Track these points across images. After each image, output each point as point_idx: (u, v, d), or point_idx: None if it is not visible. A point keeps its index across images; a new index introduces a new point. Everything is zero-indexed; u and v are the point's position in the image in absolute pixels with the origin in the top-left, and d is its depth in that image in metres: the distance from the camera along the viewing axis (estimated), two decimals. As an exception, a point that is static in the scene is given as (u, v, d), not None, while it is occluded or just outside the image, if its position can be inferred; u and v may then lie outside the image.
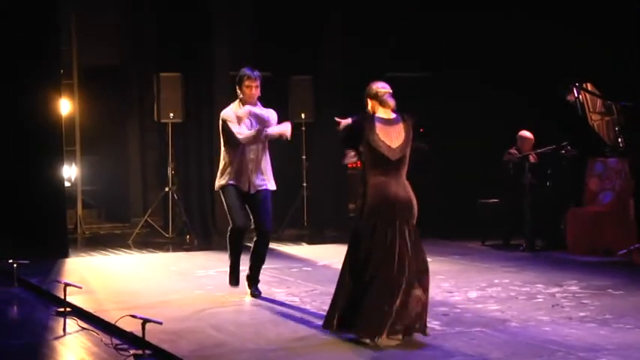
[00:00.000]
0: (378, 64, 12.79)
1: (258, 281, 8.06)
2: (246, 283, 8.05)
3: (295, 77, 13.09)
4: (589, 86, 11.23)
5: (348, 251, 6.41)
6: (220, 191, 7.97)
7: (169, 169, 12.53)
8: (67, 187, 12.28)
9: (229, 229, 8.06)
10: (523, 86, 12.01)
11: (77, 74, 13.02)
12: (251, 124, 7.83)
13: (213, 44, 12.54)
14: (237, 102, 7.90)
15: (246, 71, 7.86)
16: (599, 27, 11.71)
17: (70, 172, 13.30)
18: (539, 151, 11.27)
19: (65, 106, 12.24)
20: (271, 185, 7.96)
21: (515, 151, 11.41)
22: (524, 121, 11.54)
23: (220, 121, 7.87)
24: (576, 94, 11.12)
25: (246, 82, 7.81)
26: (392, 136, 6.36)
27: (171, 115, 12.36)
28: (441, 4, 12.99)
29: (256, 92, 7.84)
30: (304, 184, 13.03)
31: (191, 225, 12.33)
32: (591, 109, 11.21)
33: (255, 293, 7.97)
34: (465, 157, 12.71)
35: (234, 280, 8.10)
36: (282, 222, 12.78)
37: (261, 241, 8.00)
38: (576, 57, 11.75)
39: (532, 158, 11.27)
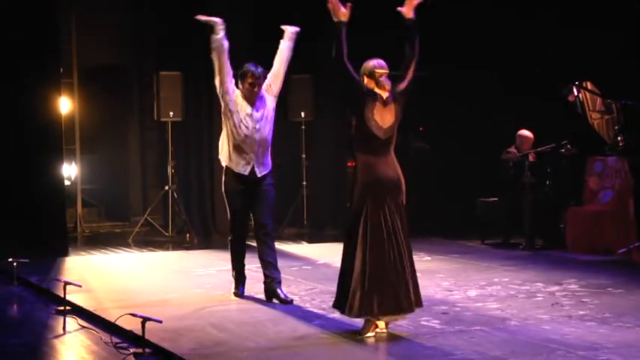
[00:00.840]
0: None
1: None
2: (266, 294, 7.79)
3: (295, 76, 13.07)
4: (589, 85, 11.24)
5: (347, 236, 6.45)
6: (224, 193, 7.84)
7: (169, 168, 12.53)
8: (67, 185, 12.29)
9: (231, 239, 7.97)
10: (523, 84, 12.01)
11: (77, 73, 13.01)
12: (254, 109, 7.72)
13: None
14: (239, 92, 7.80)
15: (250, 67, 7.77)
16: (599, 25, 11.71)
17: (70, 171, 13.30)
18: (538, 149, 11.27)
19: (65, 105, 12.24)
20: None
21: (514, 150, 11.41)
22: (524, 120, 11.53)
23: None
24: (576, 93, 11.12)
25: (249, 79, 7.73)
26: (385, 117, 6.46)
27: (171, 113, 12.35)
28: (441, 3, 12.97)
29: (259, 89, 7.76)
30: (304, 183, 13.03)
31: (191, 224, 12.33)
32: (591, 108, 11.21)
33: (288, 299, 7.65)
34: (465, 156, 12.71)
35: (239, 285, 7.95)
36: (282, 221, 12.79)
37: (264, 239, 7.84)
38: (576, 55, 11.74)
39: (531, 157, 11.28)
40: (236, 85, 7.84)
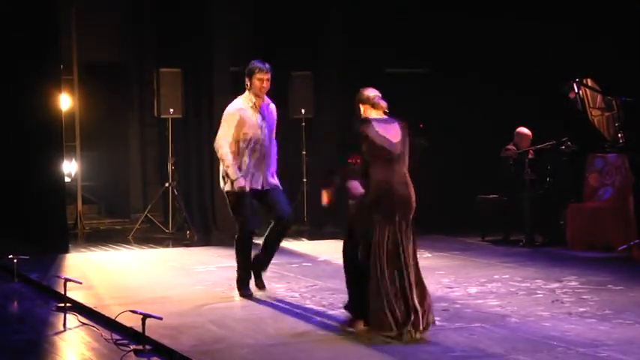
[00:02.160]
0: (378, 60, 12.80)
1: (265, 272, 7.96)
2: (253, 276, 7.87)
3: (295, 73, 13.09)
4: (589, 82, 11.23)
5: (348, 244, 6.48)
6: (232, 193, 7.71)
7: (169, 165, 12.53)
8: (67, 182, 12.29)
9: (238, 236, 7.79)
10: (523, 82, 12.01)
11: (77, 70, 13.01)
12: (263, 118, 7.76)
13: (213, 40, 12.53)
14: (245, 95, 7.78)
15: (257, 64, 7.71)
16: (600, 23, 11.71)
17: (70, 168, 13.31)
18: (538, 146, 11.26)
19: (65, 102, 12.24)
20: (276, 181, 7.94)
21: (513, 147, 11.41)
22: (524, 117, 11.54)
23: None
24: (576, 90, 11.12)
25: (258, 75, 7.67)
26: (391, 133, 6.42)
27: (171, 110, 12.36)
28: (441, 2, 12.98)
29: (267, 85, 7.71)
30: (304, 180, 13.04)
31: (191, 220, 12.33)
32: (591, 105, 11.20)
33: (262, 285, 7.85)
34: (465, 153, 12.71)
35: (248, 285, 7.80)
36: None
37: (282, 231, 7.84)
38: (576, 53, 11.74)
39: (530, 154, 11.27)
40: (244, 83, 7.79)
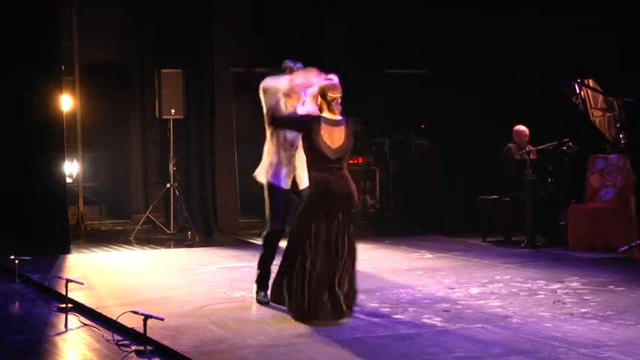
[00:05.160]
0: (378, 59, 12.81)
1: None
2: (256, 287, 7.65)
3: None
4: (591, 82, 11.23)
5: (291, 234, 6.98)
6: (271, 187, 7.65)
7: (171, 166, 12.54)
8: (69, 183, 12.29)
9: (267, 233, 7.73)
10: (524, 82, 12.01)
11: (79, 70, 13.02)
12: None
13: (214, 40, 12.54)
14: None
15: (289, 63, 7.62)
16: (601, 23, 11.71)
17: (72, 169, 13.31)
18: (540, 147, 11.27)
19: (67, 103, 12.25)
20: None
21: (514, 146, 11.42)
22: (525, 118, 11.54)
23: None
24: (578, 91, 11.12)
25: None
26: (334, 137, 6.72)
27: (173, 111, 12.36)
28: (443, 1, 12.98)
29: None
30: (305, 180, 13.02)
31: (192, 221, 12.33)
32: (593, 106, 11.20)
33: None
34: (466, 154, 12.72)
35: (264, 289, 7.52)
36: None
37: None
38: (578, 53, 11.74)
39: (532, 154, 11.28)
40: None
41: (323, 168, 6.76)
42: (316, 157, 6.77)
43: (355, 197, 6.85)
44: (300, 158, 7.31)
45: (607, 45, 11.64)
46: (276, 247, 7.67)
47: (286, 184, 7.52)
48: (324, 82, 6.80)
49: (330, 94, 6.74)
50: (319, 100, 6.79)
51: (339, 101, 6.77)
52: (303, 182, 7.40)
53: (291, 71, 7.59)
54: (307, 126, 6.76)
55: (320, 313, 6.63)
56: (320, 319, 6.62)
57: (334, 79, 6.81)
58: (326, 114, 6.75)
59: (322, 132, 6.69)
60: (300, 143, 7.16)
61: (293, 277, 6.76)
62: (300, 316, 6.70)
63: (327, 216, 6.70)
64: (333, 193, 6.74)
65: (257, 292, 7.53)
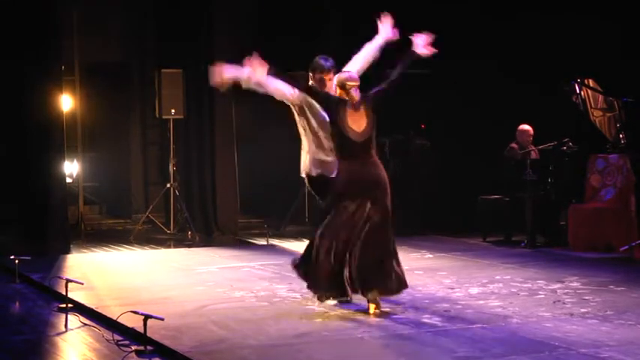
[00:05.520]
0: (379, 59, 12.78)
1: None
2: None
3: (296, 73, 13.07)
4: (591, 82, 11.23)
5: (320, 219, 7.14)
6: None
7: (171, 165, 12.53)
8: (69, 183, 12.30)
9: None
10: (525, 82, 12.01)
11: (79, 70, 13.02)
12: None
13: (214, 40, 12.53)
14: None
15: (320, 61, 7.63)
16: (601, 22, 11.71)
17: (72, 169, 13.31)
18: (540, 147, 11.28)
19: (67, 103, 12.25)
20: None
21: (516, 146, 11.42)
22: (525, 117, 11.53)
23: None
24: (578, 91, 11.12)
25: (318, 75, 7.58)
26: (358, 121, 6.97)
27: (173, 111, 12.36)
28: (445, 1, 12.97)
29: (330, 85, 7.57)
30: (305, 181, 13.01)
31: (192, 221, 12.33)
32: (593, 106, 11.21)
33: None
34: (466, 154, 12.71)
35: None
36: (283, 218, 12.80)
37: None
38: (578, 53, 11.74)
39: (534, 154, 11.28)
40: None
41: (349, 154, 6.99)
42: (344, 144, 7.00)
43: (385, 183, 7.00)
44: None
45: (607, 45, 11.64)
46: None
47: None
48: (342, 75, 7.14)
49: (348, 84, 7.04)
50: (339, 91, 7.08)
51: (357, 89, 7.06)
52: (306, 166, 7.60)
53: (321, 71, 7.57)
54: (334, 107, 7.02)
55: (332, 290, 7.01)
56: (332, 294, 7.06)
57: (350, 72, 7.21)
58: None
59: (348, 117, 6.96)
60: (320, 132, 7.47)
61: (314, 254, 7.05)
62: (315, 288, 7.14)
63: (353, 202, 6.89)
64: (358, 180, 6.93)
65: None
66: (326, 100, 7.17)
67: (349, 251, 6.93)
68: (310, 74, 7.70)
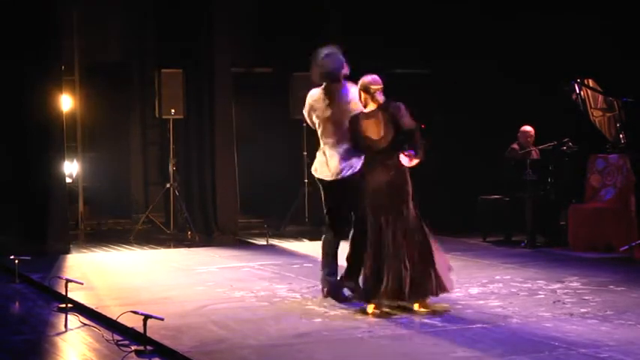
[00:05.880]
0: (378, 59, 12.79)
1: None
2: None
3: (296, 74, 13.08)
4: (590, 82, 11.23)
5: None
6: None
7: (171, 166, 12.54)
8: (69, 183, 12.29)
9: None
10: (525, 82, 12.01)
11: (79, 70, 13.02)
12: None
13: (214, 40, 12.54)
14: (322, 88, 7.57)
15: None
16: (602, 23, 11.71)
17: (72, 169, 13.30)
18: (540, 147, 11.28)
19: (67, 103, 12.24)
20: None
21: (517, 146, 11.42)
22: (525, 117, 11.54)
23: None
24: (578, 90, 11.12)
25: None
26: (373, 129, 6.98)
27: (173, 111, 12.36)
28: (443, 1, 12.97)
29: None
30: (305, 181, 13.03)
31: (192, 221, 12.33)
32: (592, 106, 11.21)
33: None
34: (466, 154, 12.71)
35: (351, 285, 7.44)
36: (283, 218, 12.80)
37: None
38: (578, 53, 11.74)
39: (534, 154, 11.28)
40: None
41: (369, 160, 7.07)
42: (362, 150, 7.12)
43: (404, 189, 7.03)
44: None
45: (607, 45, 11.64)
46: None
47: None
48: (366, 78, 7.11)
49: (372, 87, 7.07)
50: (363, 95, 7.10)
51: (381, 92, 7.09)
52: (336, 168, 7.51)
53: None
54: (353, 128, 7.12)
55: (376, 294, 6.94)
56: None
57: (374, 75, 7.16)
58: (370, 106, 7.07)
59: (363, 126, 7.01)
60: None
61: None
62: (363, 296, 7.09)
63: (374, 211, 6.96)
64: (377, 187, 6.98)
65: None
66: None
67: (384, 265, 6.90)
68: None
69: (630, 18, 11.63)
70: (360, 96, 7.12)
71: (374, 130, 7.00)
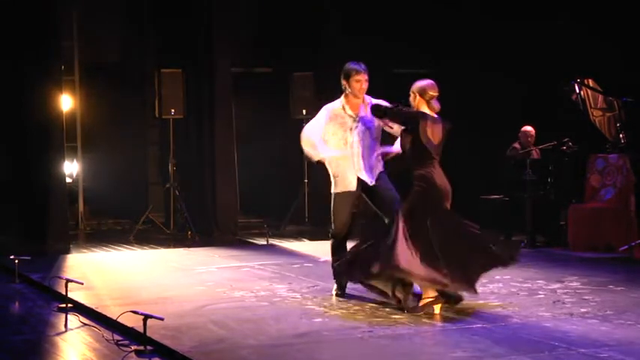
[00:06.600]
0: (378, 59, 12.79)
1: None
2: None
3: (296, 74, 13.09)
4: (590, 82, 11.23)
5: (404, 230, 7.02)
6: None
7: (170, 166, 12.54)
8: (69, 183, 12.30)
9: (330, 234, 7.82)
10: (525, 82, 12.01)
11: (79, 70, 13.03)
12: (354, 120, 7.63)
13: (214, 40, 12.54)
14: (342, 97, 7.67)
15: (353, 65, 7.61)
16: (602, 23, 11.71)
17: (72, 169, 13.31)
18: (540, 147, 11.29)
19: (67, 102, 12.26)
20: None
21: (518, 146, 11.43)
22: (525, 117, 11.54)
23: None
24: (578, 90, 11.13)
25: (356, 77, 7.57)
26: (435, 134, 7.04)
27: (173, 111, 12.37)
28: (448, 2, 12.98)
29: (365, 86, 7.60)
30: (305, 181, 13.04)
31: (192, 221, 12.33)
32: (592, 105, 11.21)
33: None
34: (467, 154, 12.70)
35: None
36: (283, 218, 12.80)
37: None
38: (578, 53, 11.74)
39: (535, 154, 11.29)
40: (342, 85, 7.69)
41: (427, 163, 7.04)
42: (420, 152, 7.02)
43: (450, 192, 7.14)
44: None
45: (607, 45, 11.64)
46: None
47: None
48: (423, 82, 7.12)
49: (430, 92, 7.06)
50: (417, 98, 7.08)
51: (437, 99, 7.10)
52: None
53: (357, 73, 7.60)
54: (414, 121, 7.00)
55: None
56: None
57: (430, 80, 7.16)
58: (426, 110, 7.04)
59: (428, 128, 6.98)
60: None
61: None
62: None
63: (435, 209, 6.99)
64: (439, 187, 7.04)
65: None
66: (396, 115, 7.25)
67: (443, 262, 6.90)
68: (344, 80, 7.65)
69: (630, 17, 11.63)
70: (411, 96, 7.10)
71: (436, 135, 7.03)
